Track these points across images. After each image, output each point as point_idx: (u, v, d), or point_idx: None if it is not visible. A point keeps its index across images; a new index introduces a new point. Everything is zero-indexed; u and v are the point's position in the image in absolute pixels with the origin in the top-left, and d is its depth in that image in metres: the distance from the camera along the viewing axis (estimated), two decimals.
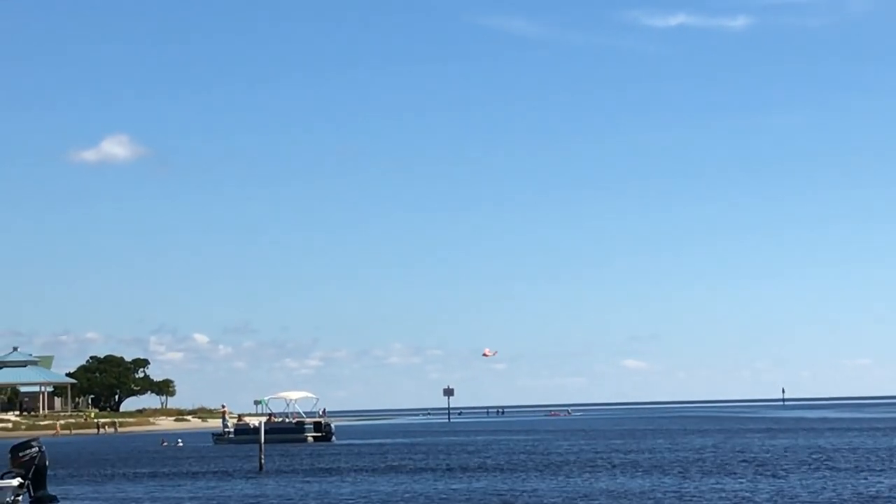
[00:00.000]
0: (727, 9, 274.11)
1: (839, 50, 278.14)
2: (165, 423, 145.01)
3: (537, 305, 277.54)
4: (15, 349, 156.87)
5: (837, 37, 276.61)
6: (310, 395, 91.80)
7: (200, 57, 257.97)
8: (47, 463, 36.70)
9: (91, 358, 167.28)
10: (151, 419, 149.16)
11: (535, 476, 42.60)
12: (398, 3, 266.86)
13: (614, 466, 46.91)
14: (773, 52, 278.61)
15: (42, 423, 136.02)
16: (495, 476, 43.29)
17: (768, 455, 52.30)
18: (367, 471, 49.07)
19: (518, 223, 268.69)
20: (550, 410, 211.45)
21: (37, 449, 36.49)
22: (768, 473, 40.91)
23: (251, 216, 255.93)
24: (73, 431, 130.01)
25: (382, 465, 52.70)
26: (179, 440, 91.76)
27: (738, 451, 55.90)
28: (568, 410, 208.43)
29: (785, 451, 55.13)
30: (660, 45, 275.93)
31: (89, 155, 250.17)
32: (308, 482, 43.27)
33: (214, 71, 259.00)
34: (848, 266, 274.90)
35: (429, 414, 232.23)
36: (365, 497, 36.11)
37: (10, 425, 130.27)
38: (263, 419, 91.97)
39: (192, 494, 39.15)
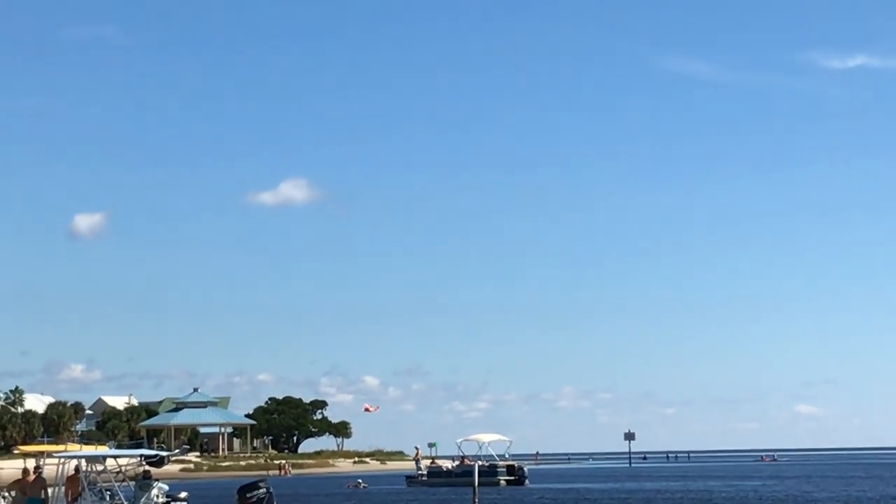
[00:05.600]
0: None
1: None
2: (344, 466, 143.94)
3: (708, 350, 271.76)
4: (195, 390, 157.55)
5: None
6: (503, 437, 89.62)
7: (379, 103, 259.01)
8: None
9: (269, 399, 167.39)
10: (330, 461, 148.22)
11: None
12: (576, 48, 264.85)
13: None
14: None
15: (223, 463, 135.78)
16: None
17: None
18: None
19: (688, 267, 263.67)
20: (761, 456, 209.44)
21: (265, 490, 34.75)
22: None
23: (424, 259, 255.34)
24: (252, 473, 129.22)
25: None
26: (360, 481, 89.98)
27: None
28: (774, 456, 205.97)
29: None
30: (838, 87, 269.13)
31: (267, 197, 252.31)
32: None
33: (392, 116, 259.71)
34: None
35: (592, 459, 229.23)
36: None
37: (191, 466, 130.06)
38: (457, 462, 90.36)
39: None
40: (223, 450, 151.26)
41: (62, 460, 34.01)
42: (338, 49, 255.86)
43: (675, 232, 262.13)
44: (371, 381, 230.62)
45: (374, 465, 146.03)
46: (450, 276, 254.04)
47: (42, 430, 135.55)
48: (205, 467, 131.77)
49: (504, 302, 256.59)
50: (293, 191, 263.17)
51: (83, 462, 33.84)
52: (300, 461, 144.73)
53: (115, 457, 35.14)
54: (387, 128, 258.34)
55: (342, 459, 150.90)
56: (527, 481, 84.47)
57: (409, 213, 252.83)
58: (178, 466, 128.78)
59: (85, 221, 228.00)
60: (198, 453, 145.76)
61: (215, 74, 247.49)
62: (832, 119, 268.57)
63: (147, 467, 34.99)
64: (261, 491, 34.33)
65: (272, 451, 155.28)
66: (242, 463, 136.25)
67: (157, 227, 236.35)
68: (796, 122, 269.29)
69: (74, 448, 36.28)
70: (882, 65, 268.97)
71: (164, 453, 35.55)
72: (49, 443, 48.22)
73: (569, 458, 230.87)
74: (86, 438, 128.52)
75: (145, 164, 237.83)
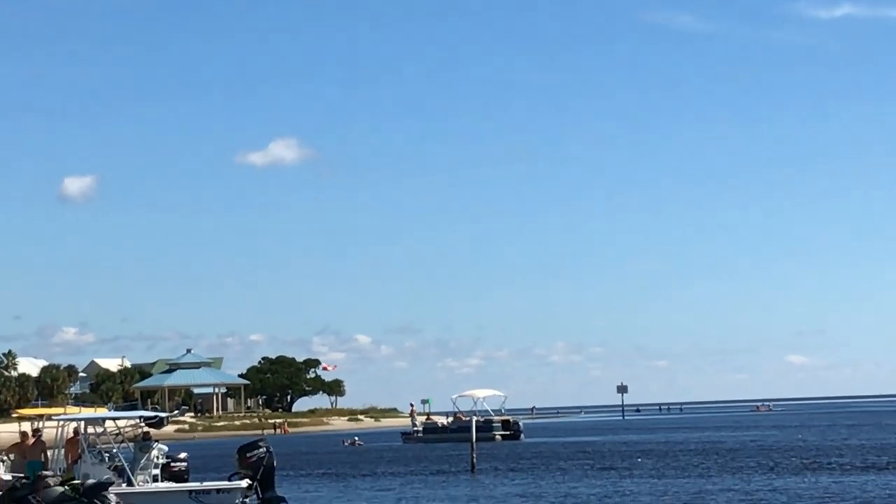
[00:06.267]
0: None
1: None
2: (339, 424, 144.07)
3: (698, 302, 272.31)
4: (188, 351, 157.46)
5: None
6: (498, 392, 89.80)
7: (369, 59, 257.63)
8: (275, 463, 35.01)
9: (263, 359, 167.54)
10: (325, 419, 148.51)
11: None
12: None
13: None
14: None
15: (217, 424, 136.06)
16: None
17: None
18: (582, 469, 46.55)
19: (678, 220, 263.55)
20: (756, 406, 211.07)
21: (264, 449, 34.74)
22: None
23: (414, 217, 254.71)
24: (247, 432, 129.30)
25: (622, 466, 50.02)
26: (357, 439, 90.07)
27: None
28: (769, 406, 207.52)
29: None
30: (825, 37, 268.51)
31: (257, 158, 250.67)
32: (528, 482, 41.03)
33: (382, 75, 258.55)
34: None
35: (584, 412, 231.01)
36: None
37: (186, 427, 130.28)
38: (452, 418, 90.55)
39: (422, 495, 36.98)
40: (217, 410, 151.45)
41: (61, 423, 33.97)
42: (328, 8, 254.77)
43: (665, 183, 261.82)
44: (363, 339, 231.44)
45: (368, 423, 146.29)
46: (440, 233, 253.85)
47: (36, 393, 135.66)
48: (200, 428, 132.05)
49: (495, 258, 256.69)
50: (283, 150, 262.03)
51: (82, 424, 33.79)
52: (295, 420, 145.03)
53: (114, 419, 35.08)
54: (376, 86, 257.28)
55: (336, 417, 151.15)
56: (522, 436, 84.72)
57: (400, 171, 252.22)
58: (173, 427, 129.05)
59: (75, 184, 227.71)
60: (192, 413, 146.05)
61: (204, 34, 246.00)
62: (819, 68, 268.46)
63: (146, 429, 34.96)
64: (261, 450, 34.35)
65: (266, 411, 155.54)
66: (237, 423, 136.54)
67: (146, 188, 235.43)
68: (783, 72, 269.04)
69: (73, 411, 36.17)
70: (868, 14, 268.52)
71: (162, 414, 35.48)
72: (43, 406, 48.12)
73: (557, 411, 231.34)
74: (80, 401, 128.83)
75: (134, 126, 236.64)
